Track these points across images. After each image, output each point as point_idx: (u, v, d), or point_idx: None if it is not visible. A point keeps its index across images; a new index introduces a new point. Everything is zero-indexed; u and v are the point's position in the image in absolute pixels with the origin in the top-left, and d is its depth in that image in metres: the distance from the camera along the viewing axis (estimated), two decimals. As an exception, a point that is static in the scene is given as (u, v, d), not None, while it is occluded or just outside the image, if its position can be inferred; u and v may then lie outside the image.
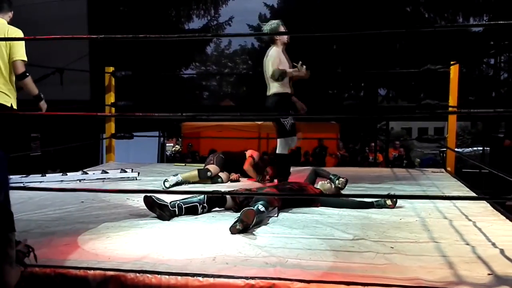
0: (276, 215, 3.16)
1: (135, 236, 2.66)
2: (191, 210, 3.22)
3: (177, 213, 3.15)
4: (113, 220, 3.02)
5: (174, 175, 4.52)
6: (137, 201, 3.53)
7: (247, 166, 4.85)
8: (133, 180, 4.73)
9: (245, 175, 4.90)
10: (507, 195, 3.51)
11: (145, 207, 3.14)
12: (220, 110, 18.60)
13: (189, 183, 4.54)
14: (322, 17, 15.40)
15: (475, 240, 2.57)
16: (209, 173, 4.64)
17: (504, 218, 3.09)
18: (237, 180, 4.79)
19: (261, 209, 2.90)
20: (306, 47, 15.58)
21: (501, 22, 2.32)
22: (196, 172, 4.63)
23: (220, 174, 4.72)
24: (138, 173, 4.85)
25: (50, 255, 2.24)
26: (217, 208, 3.37)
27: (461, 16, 16.17)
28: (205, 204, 3.27)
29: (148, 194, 3.14)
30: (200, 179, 4.60)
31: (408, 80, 16.52)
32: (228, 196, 3.37)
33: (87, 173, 4.76)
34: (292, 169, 4.64)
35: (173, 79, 16.03)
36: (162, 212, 3.10)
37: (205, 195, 3.33)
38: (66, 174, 4.65)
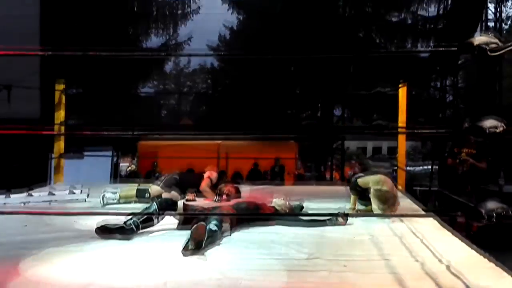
0: (229, 234, 3.14)
1: (81, 261, 2.55)
2: (148, 221, 3.17)
3: (135, 230, 3.09)
4: (58, 245, 2.88)
5: (113, 192, 4.47)
6: (85, 224, 3.39)
7: (203, 187, 4.80)
8: (82, 201, 4.58)
9: (202, 195, 4.86)
10: (454, 211, 3.67)
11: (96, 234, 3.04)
12: (178, 129, 18.46)
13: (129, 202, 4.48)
14: (280, 39, 15.72)
15: (423, 256, 2.64)
16: (146, 194, 4.56)
17: (451, 234, 3.19)
18: (193, 200, 4.73)
19: (213, 228, 2.86)
20: (266, 68, 15.85)
21: (442, 48, 2.44)
22: (134, 192, 4.58)
23: (167, 195, 4.61)
24: (88, 194, 4.70)
25: (-12, 283, 2.12)
26: (168, 226, 3.31)
27: (409, 42, 17.00)
28: (158, 216, 3.23)
29: (99, 225, 3.05)
30: (138, 199, 4.53)
31: (362, 101, 17.05)
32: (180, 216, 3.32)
33: (32, 195, 4.56)
34: (250, 187, 4.65)
35: (130, 97, 15.81)
36: (123, 233, 3.03)
37: (156, 208, 3.26)
38: (9, 196, 4.44)
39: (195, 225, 2.74)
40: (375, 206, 3.77)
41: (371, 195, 3.81)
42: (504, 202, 1.94)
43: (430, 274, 2.30)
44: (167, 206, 3.30)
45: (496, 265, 2.41)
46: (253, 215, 3.59)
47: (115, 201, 4.52)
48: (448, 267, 2.40)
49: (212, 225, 2.88)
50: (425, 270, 2.38)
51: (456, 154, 6.13)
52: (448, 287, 2.09)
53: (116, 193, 4.56)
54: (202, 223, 2.76)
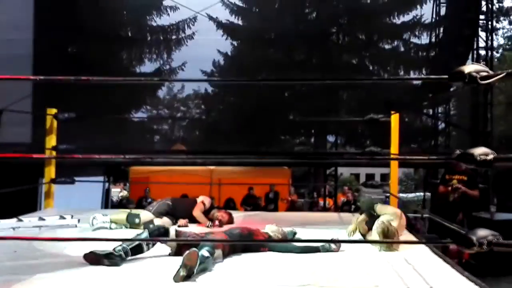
0: (221, 260, 3.11)
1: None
2: (137, 250, 3.12)
3: (124, 257, 3.04)
4: (48, 271, 2.83)
5: (104, 215, 4.44)
6: (76, 249, 3.32)
7: (196, 212, 4.77)
8: (73, 227, 4.53)
9: (194, 221, 4.83)
10: (445, 239, 3.67)
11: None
12: (170, 154, 18.35)
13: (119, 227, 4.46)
14: (274, 65, 15.94)
15: (415, 284, 2.63)
16: (137, 220, 4.50)
17: (442, 261, 3.19)
18: (186, 226, 4.70)
19: (206, 255, 2.83)
20: (260, 94, 16.00)
21: (433, 76, 2.49)
22: (124, 217, 4.53)
23: (158, 220, 4.56)
24: (79, 220, 4.65)
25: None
26: (165, 257, 3.27)
27: (402, 69, 17.30)
28: (150, 244, 3.19)
29: (87, 252, 3.02)
30: (128, 224, 4.49)
31: (355, 128, 17.20)
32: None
33: (22, 220, 4.50)
34: (243, 213, 4.63)
35: (123, 122, 15.80)
36: (112, 260, 2.99)
37: (148, 236, 3.23)
38: (-1, 222, 4.38)
39: (187, 251, 2.70)
40: (375, 236, 3.66)
41: (378, 225, 3.65)
42: (495, 229, 1.96)
43: (422, 302, 2.29)
44: (159, 234, 3.27)
45: (488, 292, 2.41)
46: (246, 241, 3.56)
47: (105, 224, 4.47)
48: (439, 295, 2.39)
49: (205, 251, 2.85)
50: (417, 298, 2.37)
51: (447, 181, 6.16)
52: (440, 315, 2.07)
53: (107, 215, 4.52)
54: (195, 249, 2.73)
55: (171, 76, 17.90)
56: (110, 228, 4.47)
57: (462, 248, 2.07)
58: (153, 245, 3.24)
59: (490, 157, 1.91)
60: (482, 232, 1.94)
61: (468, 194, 6.00)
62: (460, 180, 6.05)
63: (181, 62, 18.08)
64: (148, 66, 17.52)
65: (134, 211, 4.91)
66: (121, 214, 4.66)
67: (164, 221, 4.64)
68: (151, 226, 4.48)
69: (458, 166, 6.00)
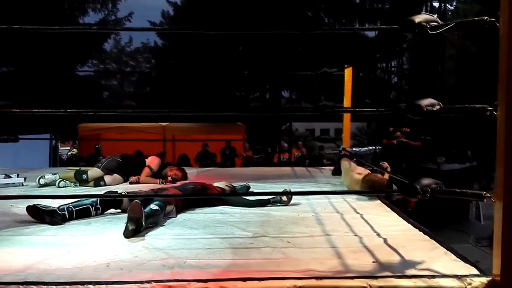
0: (174, 215, 3.11)
1: (19, 246, 2.45)
2: (83, 213, 3.06)
3: (67, 217, 2.97)
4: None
5: (53, 174, 4.36)
6: (23, 208, 3.22)
7: (143, 179, 4.68)
8: (19, 186, 4.38)
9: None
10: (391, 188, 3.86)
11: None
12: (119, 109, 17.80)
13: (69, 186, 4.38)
14: (226, 17, 15.49)
15: (362, 231, 2.75)
16: (84, 176, 4.45)
17: (390, 210, 3.34)
18: (137, 182, 4.65)
19: (154, 208, 2.82)
20: (212, 48, 15.61)
21: (384, 27, 2.49)
22: (72, 173, 4.48)
23: (108, 177, 4.54)
24: (25, 178, 4.50)
25: None
26: (112, 210, 3.23)
27: (358, 22, 17.33)
28: (98, 206, 3.12)
29: (31, 204, 2.93)
30: (77, 181, 4.44)
31: (309, 83, 17.27)
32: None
33: (-35, 179, 4.31)
34: (198, 169, 4.61)
35: (67, 77, 15.02)
36: (53, 217, 2.91)
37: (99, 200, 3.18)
38: None
39: (130, 205, 2.67)
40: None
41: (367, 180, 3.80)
42: (442, 179, 2.04)
43: (368, 247, 2.40)
44: (112, 201, 3.20)
45: (431, 237, 2.55)
46: (199, 196, 3.57)
47: (55, 182, 4.37)
48: (385, 241, 2.51)
49: (153, 205, 2.83)
50: (364, 244, 2.48)
51: (391, 133, 6.39)
52: (384, 260, 2.18)
53: (56, 173, 4.44)
54: (137, 201, 2.68)
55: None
56: (58, 187, 4.36)
57: (407, 197, 2.15)
58: (102, 212, 3.17)
59: (437, 107, 1.96)
60: (426, 181, 2.02)
61: (410, 145, 6.26)
62: (403, 131, 6.30)
63: (127, 12, 17.27)
64: (92, 17, 16.58)
65: (83, 168, 4.80)
66: (69, 172, 4.58)
67: (115, 178, 4.59)
68: (101, 183, 4.41)
69: (400, 119, 6.25)
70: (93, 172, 4.54)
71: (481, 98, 2.03)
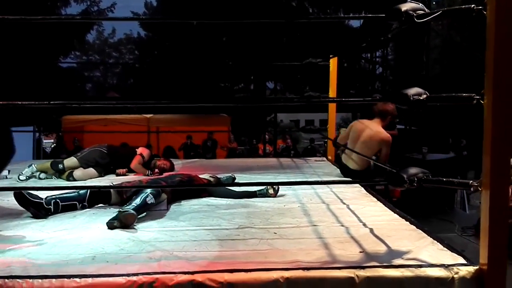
0: (165, 207, 3.08)
1: (4, 239, 2.41)
2: (69, 208, 3.01)
3: (53, 210, 2.92)
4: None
5: (28, 166, 4.26)
6: (7, 200, 3.21)
7: (134, 165, 4.61)
8: (3, 178, 4.29)
9: (132, 171, 4.69)
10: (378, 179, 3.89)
11: (17, 206, 2.88)
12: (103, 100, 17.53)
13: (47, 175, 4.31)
14: (210, 7, 15.35)
15: (349, 221, 2.75)
16: (60, 166, 4.32)
17: (376, 200, 3.35)
18: (125, 175, 4.58)
19: (149, 201, 2.82)
20: (196, 39, 15.48)
21: (370, 15, 2.48)
22: (48, 164, 4.35)
23: (80, 172, 4.35)
24: (9, 171, 4.41)
25: None
26: (101, 205, 3.19)
27: (342, 12, 17.33)
28: (85, 203, 3.08)
29: (19, 191, 2.88)
30: (54, 171, 4.33)
31: (294, 74, 17.26)
32: (113, 191, 3.20)
33: None
34: (182, 161, 4.57)
35: (50, 69, 14.78)
36: (37, 210, 2.86)
37: (87, 191, 3.13)
38: None
39: (126, 212, 2.63)
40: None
41: None
42: (427, 168, 2.04)
43: (355, 237, 2.41)
44: (100, 196, 3.15)
45: (417, 227, 2.56)
46: (187, 187, 3.54)
47: (33, 173, 4.29)
48: (372, 231, 2.52)
49: (149, 197, 2.83)
50: (350, 234, 2.48)
51: None
52: (371, 250, 2.19)
53: (31, 165, 4.32)
54: (133, 213, 2.66)
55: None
56: (40, 178, 4.29)
57: (394, 186, 2.15)
58: (90, 207, 3.12)
59: (423, 97, 1.96)
60: (413, 170, 2.02)
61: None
62: None
63: (110, 3, 17.06)
64: (74, 8, 16.37)
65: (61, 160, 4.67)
66: (46, 162, 4.47)
67: (86, 172, 4.38)
68: (70, 178, 4.27)
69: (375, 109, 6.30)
70: (69, 161, 4.40)
71: (465, 87, 2.03)
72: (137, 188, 3.13)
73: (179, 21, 11.30)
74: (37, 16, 3.09)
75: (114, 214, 2.66)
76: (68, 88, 15.50)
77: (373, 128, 4.24)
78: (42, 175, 4.35)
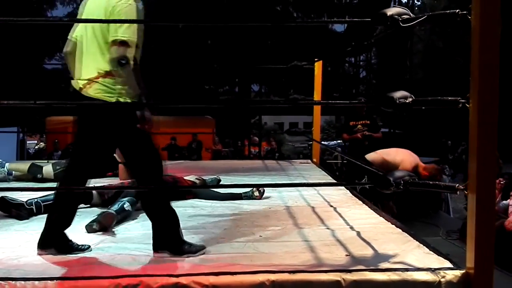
0: None
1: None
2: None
3: (35, 211, 2.86)
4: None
5: (1, 166, 4.00)
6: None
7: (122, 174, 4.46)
8: (8, 181, 4.13)
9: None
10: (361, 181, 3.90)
11: None
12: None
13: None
14: (195, 10, 15.32)
15: (335, 224, 2.75)
16: (39, 175, 3.95)
17: (361, 203, 3.36)
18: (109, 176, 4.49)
19: (127, 208, 2.77)
20: (181, 41, 15.41)
21: (356, 19, 2.49)
22: (26, 167, 4.02)
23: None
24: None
25: None
26: (82, 205, 3.13)
27: (326, 17, 17.48)
28: None
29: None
30: (30, 176, 3.99)
31: (279, 77, 17.32)
32: (94, 192, 3.15)
33: None
34: (167, 162, 4.49)
35: (35, 70, 14.60)
36: (19, 211, 2.80)
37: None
38: None
39: (105, 212, 2.60)
40: None
41: None
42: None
43: (341, 240, 2.40)
44: (81, 196, 3.09)
45: (403, 230, 2.57)
46: (172, 188, 3.50)
47: (3, 174, 4.01)
48: (358, 234, 2.52)
49: (127, 204, 2.79)
50: (336, 237, 2.48)
51: (352, 127, 6.50)
52: (357, 253, 2.18)
53: (4, 165, 4.03)
54: (113, 213, 2.63)
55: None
56: (10, 180, 4.01)
57: (380, 189, 2.15)
58: None
59: (409, 100, 1.97)
60: (399, 173, 2.03)
61: (373, 137, 6.38)
62: (364, 124, 6.42)
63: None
64: (60, 10, 16.21)
65: (39, 162, 4.37)
66: (21, 164, 4.23)
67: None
68: (38, 176, 3.99)
69: (360, 112, 6.38)
70: (46, 172, 4.01)
71: (448, 91, 2.05)
72: (119, 189, 3.09)
73: (164, 24, 11.26)
74: (24, 18, 3.04)
75: (94, 217, 2.62)
76: (53, 89, 15.32)
77: None
78: (18, 173, 4.06)
